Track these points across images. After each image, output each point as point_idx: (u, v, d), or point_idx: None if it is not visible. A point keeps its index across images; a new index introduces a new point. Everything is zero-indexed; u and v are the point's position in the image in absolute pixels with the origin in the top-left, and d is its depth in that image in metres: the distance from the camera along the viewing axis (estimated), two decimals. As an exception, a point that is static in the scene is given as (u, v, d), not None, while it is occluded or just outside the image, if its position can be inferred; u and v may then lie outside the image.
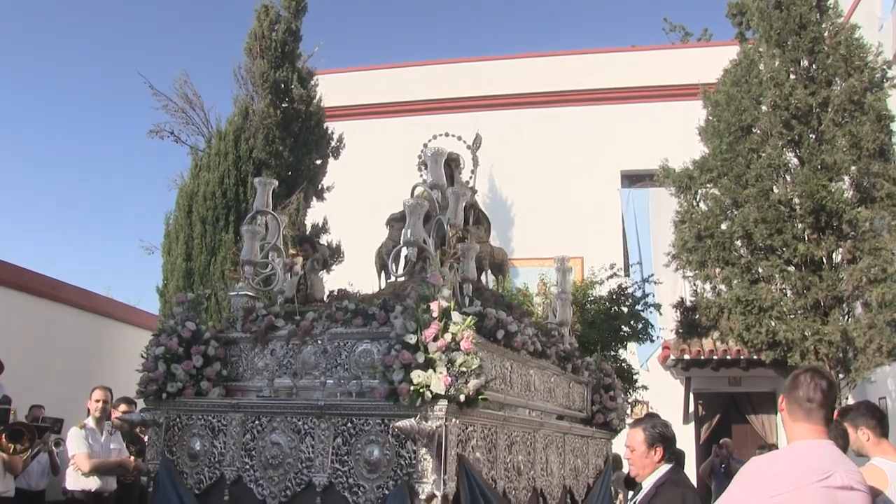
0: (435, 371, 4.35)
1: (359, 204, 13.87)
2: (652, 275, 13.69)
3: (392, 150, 16.24)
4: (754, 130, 11.61)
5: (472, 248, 6.15)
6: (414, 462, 4.46)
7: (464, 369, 4.41)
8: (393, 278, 7.11)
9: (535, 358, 6.58)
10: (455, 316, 4.59)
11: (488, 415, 5.13)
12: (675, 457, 4.74)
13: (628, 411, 9.73)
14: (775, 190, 11.23)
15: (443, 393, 4.34)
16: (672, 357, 14.06)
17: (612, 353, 11.86)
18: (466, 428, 4.79)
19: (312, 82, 11.98)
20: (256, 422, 5.29)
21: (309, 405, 4.97)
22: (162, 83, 18.62)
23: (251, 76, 11.52)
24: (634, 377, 12.55)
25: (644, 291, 13.14)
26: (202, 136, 12.40)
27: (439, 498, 4.36)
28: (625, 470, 11.49)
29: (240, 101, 11.58)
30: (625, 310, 12.71)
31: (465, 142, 7.61)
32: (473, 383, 4.49)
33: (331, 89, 12.76)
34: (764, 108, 11.51)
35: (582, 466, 7.42)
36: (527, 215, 15.50)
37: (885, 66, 11.35)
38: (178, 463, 5.66)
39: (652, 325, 12.87)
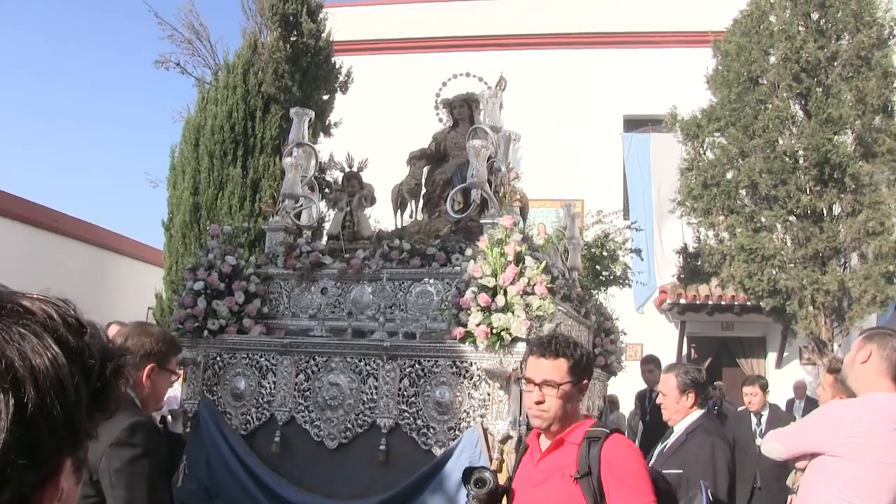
0: (514, 314, 4.36)
1: (366, 140, 13.71)
2: (635, 221, 13.77)
3: (398, 86, 16.10)
4: (762, 82, 11.64)
5: (520, 190, 6.14)
6: (488, 403, 4.50)
7: (540, 313, 4.44)
8: (413, 217, 7.10)
9: (562, 302, 6.64)
10: (528, 260, 4.59)
11: (544, 358, 5.17)
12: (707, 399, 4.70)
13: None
14: (781, 141, 11.33)
15: (523, 336, 4.36)
16: (668, 301, 14.28)
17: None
18: (532, 371, 4.83)
19: (321, 16, 11.72)
20: (311, 361, 5.26)
21: (374, 346, 4.96)
22: (167, 12, 18.14)
23: (260, 8, 11.24)
24: (615, 320, 12.71)
25: (625, 237, 13.23)
26: (209, 68, 12.12)
27: (514, 439, 4.41)
28: (622, 411, 11.76)
29: (248, 34, 11.31)
30: (606, 254, 12.79)
31: (486, 83, 7.47)
32: (547, 327, 4.53)
33: (337, 23, 12.48)
34: (773, 59, 11.53)
35: (591, 407, 7.57)
36: (528, 156, 15.42)
37: (892, 23, 11.40)
38: (220, 403, 5.61)
39: (630, 269, 12.99)
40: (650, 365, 9.07)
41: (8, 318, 0.90)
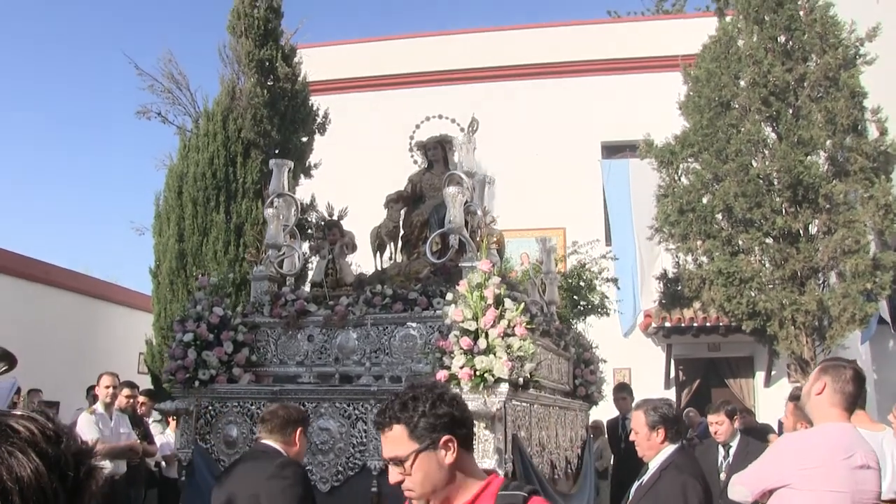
0: (496, 356, 4.50)
1: (346, 179, 13.87)
2: (610, 251, 13.86)
3: (374, 123, 16.24)
4: (733, 106, 11.89)
5: (496, 232, 6.30)
6: (474, 443, 4.61)
7: (521, 353, 4.57)
8: (393, 259, 7.26)
9: (541, 337, 6.78)
10: (507, 302, 4.74)
11: (527, 395, 5.31)
12: (680, 432, 4.67)
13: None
14: (754, 164, 11.55)
15: (506, 377, 4.50)
16: (654, 325, 14.38)
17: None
18: (515, 408, 4.97)
19: (296, 59, 11.93)
20: (301, 408, 5.36)
21: (361, 391, 5.09)
22: (147, 63, 18.35)
23: (236, 55, 11.43)
24: (594, 350, 12.81)
25: (601, 267, 13.33)
26: (189, 116, 12.32)
27: (500, 476, 4.52)
28: (606, 437, 11.82)
29: (226, 81, 11.50)
30: (582, 284, 12.92)
31: (458, 123, 7.61)
32: (528, 367, 4.68)
33: (312, 64, 12.69)
34: (742, 83, 11.78)
35: (574, 437, 7.70)
36: (508, 187, 15.56)
37: (857, 44, 11.67)
38: (214, 451, 5.73)
39: (608, 298, 13.11)
40: (623, 393, 9.28)
41: None
